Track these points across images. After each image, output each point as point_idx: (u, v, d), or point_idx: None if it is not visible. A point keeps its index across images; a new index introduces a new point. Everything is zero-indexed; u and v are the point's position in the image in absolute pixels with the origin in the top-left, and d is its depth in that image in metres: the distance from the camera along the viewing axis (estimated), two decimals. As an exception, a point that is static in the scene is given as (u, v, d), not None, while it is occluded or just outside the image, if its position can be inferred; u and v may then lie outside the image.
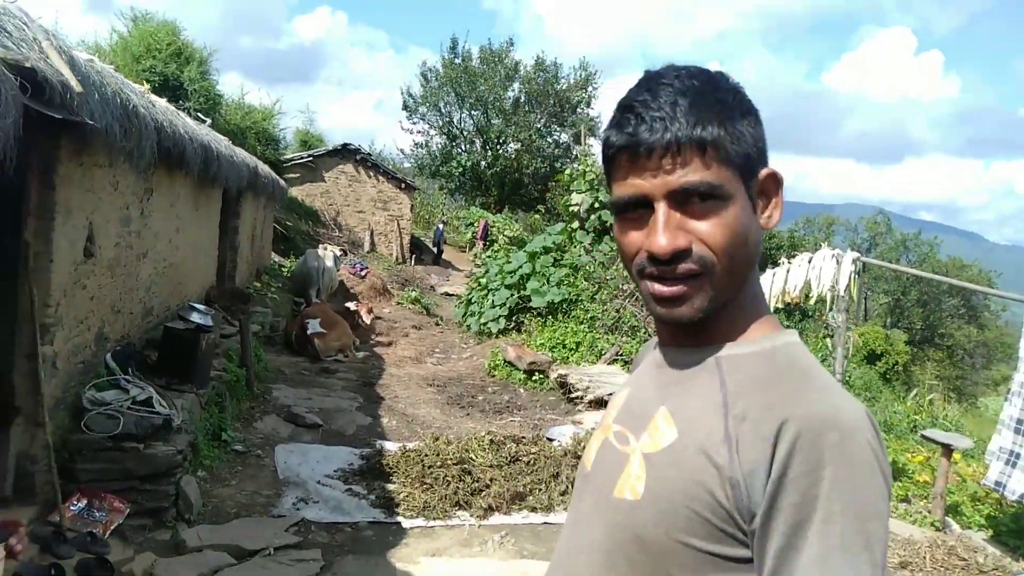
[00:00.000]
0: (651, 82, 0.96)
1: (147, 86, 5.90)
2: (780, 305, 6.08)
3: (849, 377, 8.29)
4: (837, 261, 5.40)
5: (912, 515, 5.40)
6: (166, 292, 6.39)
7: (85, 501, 4.02)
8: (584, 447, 1.13)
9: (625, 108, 0.96)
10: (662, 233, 0.93)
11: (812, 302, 5.75)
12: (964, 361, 28.65)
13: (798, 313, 15.19)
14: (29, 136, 3.38)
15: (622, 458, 1.01)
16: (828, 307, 5.51)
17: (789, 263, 5.93)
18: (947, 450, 5.34)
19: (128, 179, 5.01)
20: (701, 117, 0.92)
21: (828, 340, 5.63)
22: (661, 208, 0.93)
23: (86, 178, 4.31)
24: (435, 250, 23.07)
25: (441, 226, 23.70)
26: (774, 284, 6.01)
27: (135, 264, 5.38)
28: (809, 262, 5.69)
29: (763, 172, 0.98)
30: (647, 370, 1.10)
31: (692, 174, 0.91)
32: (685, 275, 0.94)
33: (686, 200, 0.92)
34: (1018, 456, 4.43)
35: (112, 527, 3.97)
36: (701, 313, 0.95)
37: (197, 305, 6.60)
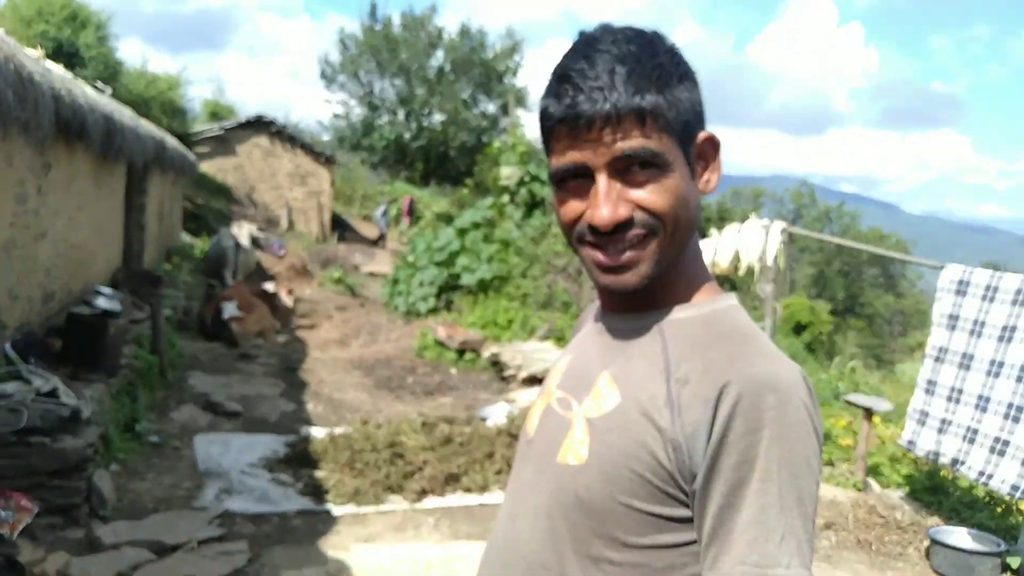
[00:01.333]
0: (588, 48, 0.94)
1: (41, 52, 5.45)
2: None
3: (777, 347, 8.54)
4: (766, 231, 5.48)
5: (836, 478, 5.58)
6: (68, 275, 5.97)
7: (-13, 502, 3.72)
8: (519, 424, 1.12)
9: (562, 78, 0.94)
10: (604, 204, 0.92)
11: (741, 273, 5.83)
12: (883, 329, 30.05)
13: (727, 285, 15.56)
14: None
15: (565, 424, 1.01)
16: (756, 278, 5.60)
17: (719, 234, 5.99)
18: (868, 413, 5.52)
19: (24, 153, 4.63)
20: (640, 85, 0.91)
21: (758, 312, 5.75)
22: (602, 179, 0.93)
23: (-26, 152, 3.95)
24: (382, 232, 21.35)
25: (384, 206, 22.00)
26: (704, 255, 6.07)
27: (33, 245, 5.00)
28: (738, 233, 5.77)
29: (701, 136, 0.99)
30: (589, 336, 1.11)
31: (632, 143, 0.91)
32: (632, 241, 0.94)
33: (626, 169, 0.92)
34: (926, 415, 4.62)
35: (20, 527, 3.68)
36: (646, 280, 0.96)
37: (103, 289, 6.23)
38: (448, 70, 27.53)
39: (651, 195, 0.93)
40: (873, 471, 5.83)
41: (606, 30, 0.97)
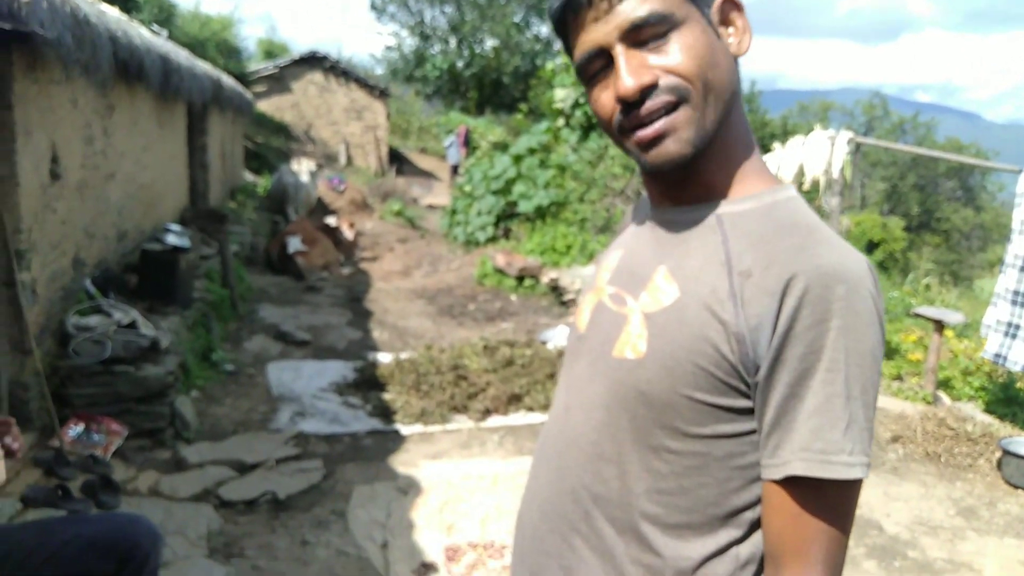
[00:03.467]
0: None
1: (96, -6, 5.52)
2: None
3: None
4: (832, 143, 5.26)
5: (905, 392, 5.49)
6: (139, 214, 6.19)
7: (82, 425, 4.00)
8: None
9: None
10: (625, 75, 0.90)
11: (806, 187, 5.64)
12: (961, 245, 28.74)
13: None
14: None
15: (620, 319, 1.01)
16: (821, 192, 5.41)
17: (783, 148, 5.79)
18: (938, 326, 5.38)
19: (87, 95, 4.75)
20: None
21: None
22: (619, 52, 0.91)
23: (43, 96, 4.08)
24: (454, 163, 19.56)
25: (454, 139, 19.93)
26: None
27: (104, 185, 5.18)
28: (803, 145, 5.55)
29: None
30: (639, 231, 1.09)
31: (639, 9, 0.89)
32: (662, 108, 0.91)
33: (640, 37, 0.91)
34: (1018, 328, 4.45)
35: (112, 449, 3.96)
36: (691, 147, 0.92)
37: (172, 226, 6.45)
38: (499, -7, 26.77)
39: (672, 56, 0.90)
40: (944, 384, 5.71)
41: None
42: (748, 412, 0.91)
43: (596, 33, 0.92)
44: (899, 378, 5.79)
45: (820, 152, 5.47)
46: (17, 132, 3.72)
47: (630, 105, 0.92)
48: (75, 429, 3.95)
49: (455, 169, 19.96)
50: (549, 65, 13.49)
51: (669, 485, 0.94)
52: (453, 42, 27.48)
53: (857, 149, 5.43)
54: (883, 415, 5.13)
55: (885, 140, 32.08)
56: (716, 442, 0.92)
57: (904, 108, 41.39)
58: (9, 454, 1.51)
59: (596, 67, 0.94)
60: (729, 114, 0.96)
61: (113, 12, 5.28)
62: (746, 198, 0.97)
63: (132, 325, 4.47)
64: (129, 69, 5.00)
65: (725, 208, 0.97)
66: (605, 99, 0.95)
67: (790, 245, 0.89)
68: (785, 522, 0.89)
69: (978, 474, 4.36)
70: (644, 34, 0.90)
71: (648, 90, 0.91)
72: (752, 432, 0.91)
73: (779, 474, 0.87)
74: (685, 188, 0.98)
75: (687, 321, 0.92)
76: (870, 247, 17.52)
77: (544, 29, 27.19)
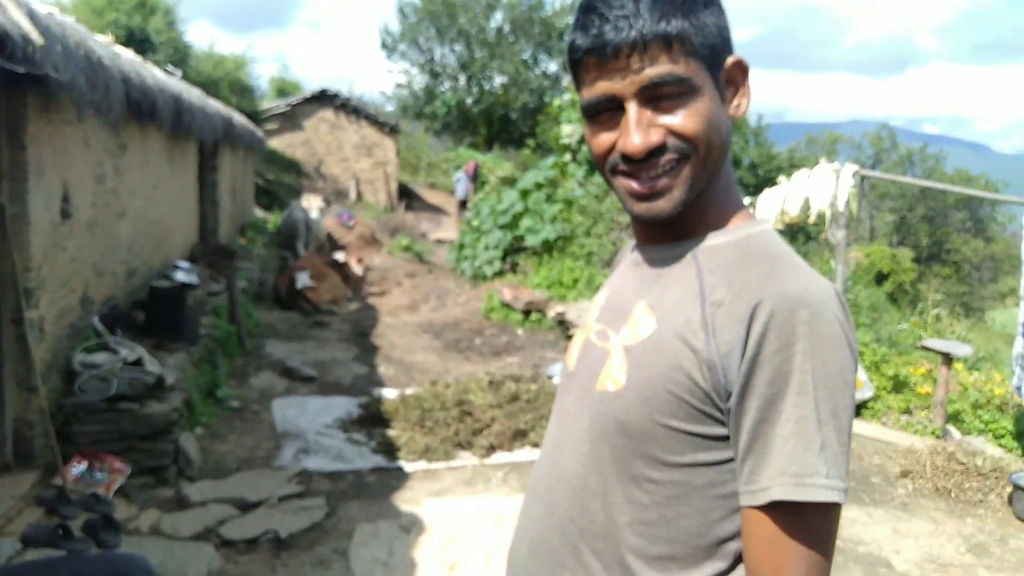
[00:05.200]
0: None
1: (111, 37, 5.66)
2: (780, 227, 5.98)
3: (855, 298, 8.24)
4: (837, 176, 5.28)
5: (913, 426, 5.43)
6: (148, 251, 6.26)
7: (85, 463, 4.00)
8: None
9: (588, 9, 0.95)
10: (635, 132, 0.93)
11: (812, 220, 5.64)
12: (971, 276, 28.59)
13: (801, 235, 15.02)
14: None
15: (603, 354, 1.04)
16: (827, 224, 5.42)
17: (788, 181, 5.81)
18: (946, 358, 5.33)
19: (99, 135, 4.85)
20: (664, 11, 0.92)
21: (832, 261, 5.55)
22: (632, 107, 0.94)
23: (56, 136, 4.17)
24: (461, 198, 19.35)
25: (462, 175, 19.93)
26: (772, 204, 5.90)
27: (114, 223, 5.26)
28: (808, 178, 5.57)
29: (729, 61, 0.99)
30: (625, 270, 1.13)
31: (659, 69, 0.92)
32: (665, 167, 0.95)
33: (656, 96, 0.93)
34: None
35: (115, 487, 3.96)
36: (680, 206, 0.97)
37: (181, 263, 6.51)
38: (507, 31, 27.19)
39: (682, 120, 0.94)
40: (954, 418, 5.64)
41: None
42: (725, 439, 0.92)
43: (614, 82, 0.94)
44: (908, 412, 5.73)
45: (825, 185, 5.49)
46: (30, 172, 3.80)
47: (632, 158, 0.95)
48: (78, 467, 3.96)
49: (463, 204, 20.07)
50: (556, 101, 13.63)
51: (651, 516, 0.95)
52: (463, 79, 27.86)
53: (863, 182, 5.44)
54: (892, 450, 5.07)
55: (893, 172, 32.04)
56: (695, 471, 0.93)
57: (912, 140, 41.44)
58: None
59: (602, 108, 0.97)
60: (719, 170, 1.00)
61: (127, 54, 5.41)
62: (722, 232, 1.01)
63: (138, 362, 4.50)
64: (141, 109, 5.11)
65: (702, 244, 1.01)
66: (604, 138, 0.98)
67: (758, 273, 0.92)
68: (763, 548, 0.89)
69: (989, 510, 4.29)
70: (660, 93, 0.93)
71: (654, 150, 0.94)
72: (731, 460, 0.92)
73: (758, 500, 0.87)
74: (668, 228, 1.02)
75: (662, 351, 0.95)
76: (879, 278, 17.45)
77: (552, 66, 27.52)
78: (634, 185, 0.97)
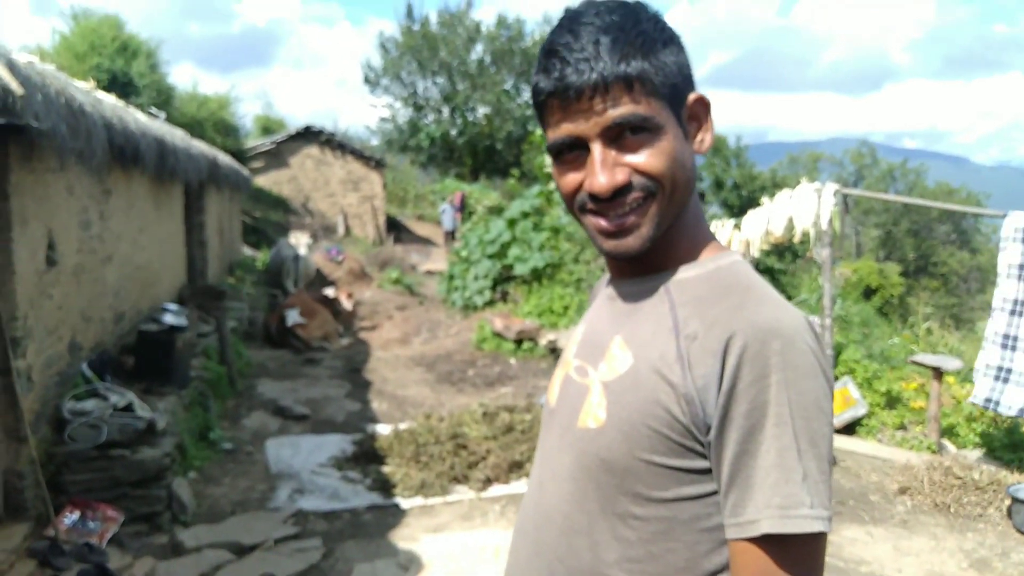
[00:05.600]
0: (572, 22, 0.96)
1: (93, 83, 5.69)
2: (765, 247, 6.02)
3: (845, 314, 8.27)
4: (818, 195, 5.34)
5: (909, 441, 5.43)
6: (136, 295, 6.23)
7: (78, 513, 3.94)
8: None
9: (550, 52, 0.96)
10: (600, 172, 0.95)
11: (796, 240, 5.69)
12: (959, 288, 28.73)
13: (788, 254, 15.08)
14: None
15: (583, 390, 1.04)
16: (812, 243, 5.46)
17: (771, 202, 5.86)
18: (937, 373, 5.35)
19: (83, 182, 4.84)
20: (624, 53, 0.93)
21: (820, 279, 5.57)
22: (597, 148, 0.95)
23: (39, 185, 4.16)
24: (448, 229, 20.03)
25: (447, 206, 20.44)
26: (756, 225, 5.95)
27: (100, 269, 5.23)
28: (790, 198, 5.63)
29: (691, 98, 1.00)
30: (601, 304, 1.14)
31: (622, 109, 0.93)
32: (632, 205, 0.96)
33: (619, 136, 0.94)
34: (1009, 371, 4.44)
35: (108, 536, 3.90)
36: (649, 242, 0.98)
37: (169, 306, 6.48)
38: (488, 62, 27.49)
39: (647, 158, 0.95)
40: (949, 432, 5.65)
41: (589, 3, 0.99)
42: (708, 472, 0.92)
43: (577, 124, 0.95)
44: (903, 427, 5.74)
45: (808, 204, 5.54)
46: (13, 221, 3.78)
47: (599, 197, 0.97)
48: (70, 517, 3.90)
49: (451, 235, 20.22)
50: (538, 130, 13.76)
51: (638, 552, 0.95)
52: (446, 111, 28.09)
53: (845, 200, 5.50)
54: (889, 467, 5.06)
55: (876, 187, 32.33)
56: (680, 505, 0.93)
57: (892, 155, 41.94)
58: None
59: (567, 148, 0.98)
60: (686, 205, 1.01)
61: (109, 99, 5.43)
62: (692, 265, 1.02)
63: (129, 407, 4.46)
64: (125, 154, 5.11)
65: (673, 277, 1.02)
66: (571, 178, 0.99)
67: (729, 305, 0.93)
68: None
69: (989, 523, 4.28)
70: (623, 132, 0.94)
71: (620, 189, 0.95)
72: (715, 493, 0.92)
73: (746, 533, 0.87)
74: (640, 263, 1.03)
75: (640, 386, 0.95)
76: (868, 293, 17.54)
77: (534, 95, 27.72)
78: (603, 223, 0.98)
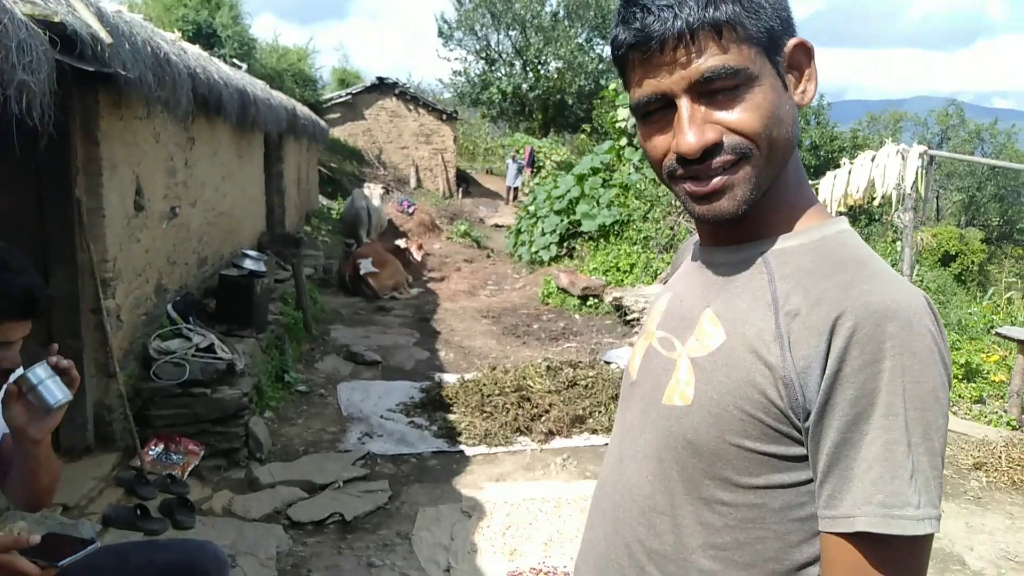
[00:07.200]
0: None
1: (178, 34, 5.84)
2: (843, 209, 5.82)
3: (921, 280, 7.96)
4: (903, 157, 5.11)
5: (987, 416, 5.24)
6: (218, 241, 6.47)
7: (162, 445, 4.18)
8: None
9: (629, 1, 0.89)
10: (688, 131, 0.87)
11: (877, 203, 5.48)
12: (1048, 256, 27.24)
13: (864, 217, 14.51)
14: (67, 93, 3.38)
15: (669, 364, 0.98)
16: (894, 207, 5.25)
17: (851, 164, 5.64)
18: (1022, 346, 5.12)
19: (169, 130, 5.01)
20: None
21: (897, 244, 5.35)
22: (684, 104, 0.87)
23: (128, 131, 4.33)
24: (512, 189, 20.53)
25: (510, 162, 20.82)
26: (835, 187, 5.74)
27: (185, 214, 5.44)
28: (872, 160, 5.41)
29: (790, 43, 0.91)
30: (688, 272, 1.06)
31: (711, 61, 0.85)
32: (721, 166, 0.88)
33: (709, 90, 0.86)
34: None
35: (189, 468, 4.13)
36: (745, 204, 0.90)
37: (249, 252, 6.70)
38: (563, 16, 26.99)
39: (740, 115, 0.86)
40: (1031, 408, 5.42)
41: None
42: (803, 460, 0.86)
43: (662, 79, 0.87)
44: (980, 401, 5.53)
45: (891, 167, 5.31)
46: (104, 167, 3.96)
47: (688, 158, 0.89)
48: (155, 449, 4.14)
49: (513, 191, 20.39)
50: (612, 85, 13.49)
51: (724, 539, 0.90)
52: (518, 65, 27.78)
53: (931, 162, 5.25)
54: (964, 441, 4.90)
55: (962, 149, 30.62)
56: (771, 493, 0.88)
57: (981, 116, 39.50)
58: (62, 373, 1.54)
59: (653, 108, 0.90)
60: (785, 164, 0.93)
61: (194, 50, 5.57)
62: (793, 235, 0.93)
63: (210, 348, 4.67)
64: (208, 103, 5.26)
65: (772, 247, 0.93)
66: (659, 141, 0.92)
67: (838, 282, 0.85)
68: None
69: (1069, 504, 4.12)
70: (713, 87, 0.86)
71: (711, 148, 0.87)
72: (809, 481, 0.86)
73: (840, 528, 0.82)
74: (735, 229, 0.95)
75: (733, 365, 0.89)
76: (945, 260, 16.79)
77: (608, 50, 27.16)
78: (693, 187, 0.90)
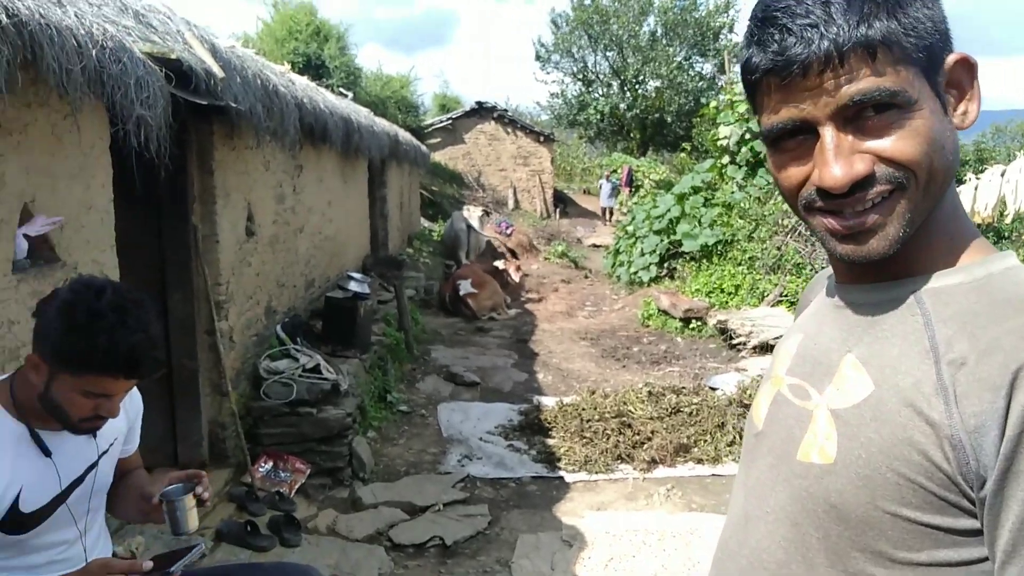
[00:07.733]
0: None
1: (287, 66, 6.11)
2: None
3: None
4: (1037, 170, 4.73)
5: None
6: (324, 264, 6.68)
7: (271, 463, 4.31)
8: (751, 394, 0.99)
9: (765, 20, 0.79)
10: (834, 163, 0.77)
11: (1009, 220, 5.08)
12: None
13: (992, 234, 13.57)
14: (182, 126, 3.57)
15: (803, 415, 0.87)
16: (1027, 224, 4.86)
17: (977, 179, 5.27)
18: None
19: (278, 158, 5.22)
20: (865, 11, 0.74)
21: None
22: (828, 133, 0.77)
23: (240, 161, 4.52)
24: (607, 209, 20.57)
25: (604, 182, 20.91)
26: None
27: (293, 239, 5.64)
28: (1002, 175, 5.02)
29: (950, 59, 0.80)
30: (822, 312, 0.94)
31: (862, 84, 0.75)
32: (875, 200, 0.77)
33: (858, 116, 0.76)
34: None
35: (296, 486, 4.23)
36: (898, 244, 0.79)
37: (354, 274, 6.88)
38: (660, 34, 26.81)
39: (895, 143, 0.76)
40: None
41: None
42: (977, 534, 0.74)
43: (803, 105, 0.78)
44: None
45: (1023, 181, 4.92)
46: (217, 195, 4.15)
47: (833, 193, 0.79)
48: (264, 466, 4.27)
49: (607, 211, 20.36)
50: (712, 103, 13.21)
51: None
52: (615, 85, 27.74)
53: (1072, 175, 4.83)
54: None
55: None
56: (935, 571, 0.76)
57: (1122, 124, 36.38)
58: (200, 503, 1.67)
59: (788, 134, 0.81)
60: (943, 195, 0.82)
61: (302, 81, 5.81)
62: (952, 271, 0.82)
63: (316, 369, 4.79)
64: (315, 132, 5.46)
65: (926, 284, 0.82)
66: (794, 172, 0.82)
67: (1013, 327, 0.74)
68: None
69: None
70: (863, 112, 0.76)
71: (861, 181, 0.77)
72: (984, 560, 0.74)
73: None
74: (881, 266, 0.83)
75: (885, 420, 0.78)
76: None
77: (707, 67, 26.78)
78: (836, 223, 0.80)
